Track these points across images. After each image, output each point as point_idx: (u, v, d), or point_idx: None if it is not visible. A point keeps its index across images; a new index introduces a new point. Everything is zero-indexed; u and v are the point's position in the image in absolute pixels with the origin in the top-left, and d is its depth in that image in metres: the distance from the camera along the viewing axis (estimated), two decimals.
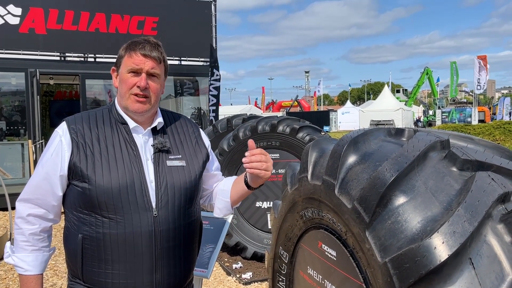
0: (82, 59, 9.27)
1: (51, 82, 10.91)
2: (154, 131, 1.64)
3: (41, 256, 1.58)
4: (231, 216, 2.01)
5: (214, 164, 1.83)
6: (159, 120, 1.64)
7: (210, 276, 1.89)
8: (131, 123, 1.59)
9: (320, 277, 1.56)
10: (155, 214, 1.52)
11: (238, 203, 1.83)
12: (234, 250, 4.92)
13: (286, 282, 1.86)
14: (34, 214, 1.56)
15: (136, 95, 1.56)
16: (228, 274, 4.61)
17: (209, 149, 1.75)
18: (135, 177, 1.52)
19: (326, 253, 1.50)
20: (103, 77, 9.42)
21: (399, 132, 1.51)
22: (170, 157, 1.61)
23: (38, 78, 8.46)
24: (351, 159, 1.38)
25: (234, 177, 1.84)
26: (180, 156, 1.63)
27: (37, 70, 8.44)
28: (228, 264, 4.81)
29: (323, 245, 1.53)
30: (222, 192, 1.80)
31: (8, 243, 1.60)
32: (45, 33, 8.66)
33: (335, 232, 1.44)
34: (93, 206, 1.49)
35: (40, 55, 8.70)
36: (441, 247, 1.02)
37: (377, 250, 1.15)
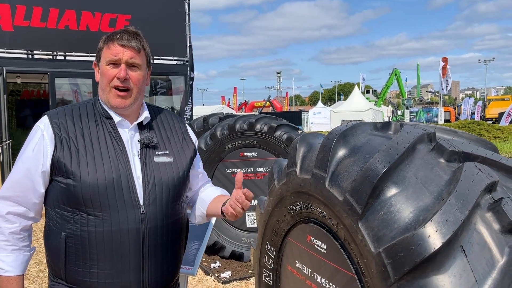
0: (51, 57, 8.99)
1: (18, 80, 10.53)
2: (140, 126, 1.60)
3: (22, 256, 1.52)
4: None
5: (200, 161, 1.82)
6: (145, 115, 1.61)
7: (196, 273, 1.87)
8: (116, 117, 1.55)
9: (309, 270, 1.57)
10: (143, 211, 1.49)
11: (211, 217, 1.81)
12: (212, 249, 4.89)
13: (273, 277, 1.86)
14: (14, 212, 1.50)
15: (116, 88, 1.52)
16: (207, 273, 4.58)
17: (196, 145, 1.73)
18: (122, 173, 1.48)
19: (316, 246, 1.51)
20: (73, 76, 9.16)
21: (386, 126, 1.54)
22: (157, 152, 1.58)
23: (4, 76, 8.16)
24: (341, 152, 1.39)
25: (218, 191, 1.79)
26: (168, 152, 1.60)
27: (4, 68, 8.15)
28: (206, 264, 4.78)
29: (312, 239, 1.54)
30: (201, 201, 1.76)
31: None
32: (12, 30, 8.35)
33: (325, 225, 1.45)
34: (78, 203, 1.44)
35: (7, 52, 8.38)
36: (434, 236, 1.05)
37: (371, 241, 1.17)
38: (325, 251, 1.46)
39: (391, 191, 1.19)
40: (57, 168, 1.46)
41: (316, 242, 1.51)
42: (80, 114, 1.54)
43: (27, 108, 12.15)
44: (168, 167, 1.57)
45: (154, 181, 1.52)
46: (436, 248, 1.03)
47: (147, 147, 1.56)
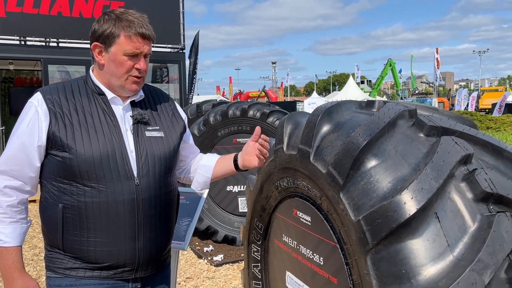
0: (44, 43, 8.94)
1: (11, 67, 10.45)
2: (132, 103, 1.65)
3: (20, 228, 1.57)
4: (207, 191, 2.05)
5: (190, 136, 1.88)
6: (140, 93, 1.66)
7: (186, 248, 1.93)
8: (109, 94, 1.60)
9: (295, 243, 1.63)
10: (137, 183, 1.54)
11: (216, 180, 1.89)
12: (205, 234, 4.96)
13: (261, 252, 1.93)
14: (11, 186, 1.54)
15: (135, 76, 1.58)
16: (200, 257, 4.65)
17: (186, 121, 1.78)
18: (116, 147, 1.53)
19: (301, 219, 1.57)
20: (66, 63, 9.12)
21: (370, 104, 1.59)
22: (148, 128, 1.63)
23: None
24: (326, 128, 1.44)
25: (216, 156, 1.89)
26: (158, 127, 1.65)
27: None
28: (199, 248, 4.85)
29: (298, 212, 1.60)
30: (203, 167, 1.85)
31: None
32: (4, 16, 8.29)
33: (310, 198, 1.51)
34: (74, 175, 1.49)
35: None
36: (410, 202, 1.10)
37: (351, 210, 1.22)
38: (309, 223, 1.52)
39: (371, 163, 1.24)
40: (53, 142, 1.51)
41: (302, 215, 1.57)
42: (72, 91, 1.59)
43: (20, 95, 12.06)
44: (160, 141, 1.63)
45: (146, 154, 1.58)
46: (411, 214, 1.09)
47: (139, 123, 1.61)
